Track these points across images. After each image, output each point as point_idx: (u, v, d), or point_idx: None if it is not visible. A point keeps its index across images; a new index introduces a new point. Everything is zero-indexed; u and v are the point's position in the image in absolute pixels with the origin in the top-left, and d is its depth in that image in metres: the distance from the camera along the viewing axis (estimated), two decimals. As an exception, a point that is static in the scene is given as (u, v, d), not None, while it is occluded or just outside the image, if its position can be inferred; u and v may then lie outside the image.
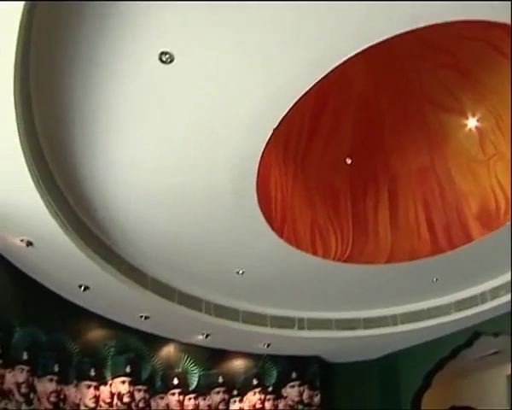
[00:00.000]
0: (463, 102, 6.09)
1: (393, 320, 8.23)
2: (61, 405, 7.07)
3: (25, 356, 6.58)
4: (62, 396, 7.10)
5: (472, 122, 6.22)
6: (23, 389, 6.52)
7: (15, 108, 3.91)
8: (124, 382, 7.82)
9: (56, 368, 7.04)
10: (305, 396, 9.16)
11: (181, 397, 8.39)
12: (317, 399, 9.23)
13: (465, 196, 6.36)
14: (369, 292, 7.63)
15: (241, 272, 6.93)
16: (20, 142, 4.25)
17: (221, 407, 8.69)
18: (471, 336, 8.30)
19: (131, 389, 7.86)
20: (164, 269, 7.01)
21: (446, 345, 8.57)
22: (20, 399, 6.47)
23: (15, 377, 6.43)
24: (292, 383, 9.18)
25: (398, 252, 6.59)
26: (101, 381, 7.61)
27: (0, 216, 5.29)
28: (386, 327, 8.25)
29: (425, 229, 6.51)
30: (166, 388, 8.32)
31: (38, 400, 6.76)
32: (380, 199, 6.67)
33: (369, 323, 8.28)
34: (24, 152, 4.36)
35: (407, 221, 6.57)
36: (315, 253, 6.48)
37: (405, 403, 9.05)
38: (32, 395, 6.65)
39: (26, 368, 6.57)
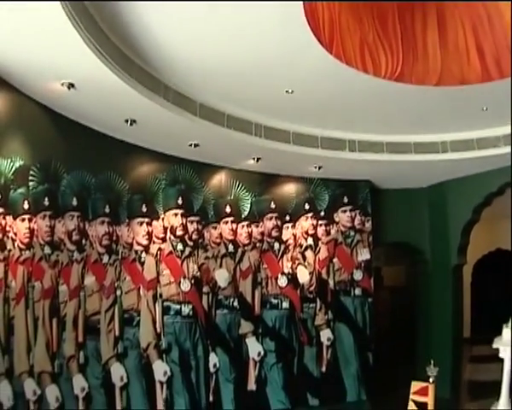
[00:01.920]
0: None
1: (443, 147, 7.46)
2: (114, 247, 6.47)
3: (74, 202, 5.99)
4: (115, 238, 6.48)
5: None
6: (74, 237, 5.96)
7: None
8: (176, 214, 7.10)
9: (107, 209, 6.41)
10: (356, 222, 8.43)
11: (234, 225, 7.66)
12: (368, 225, 8.51)
13: (513, 26, 5.61)
14: (419, 116, 6.77)
15: (290, 91, 5.97)
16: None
17: (274, 233, 7.96)
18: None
19: (184, 221, 7.15)
20: (211, 94, 6.12)
21: (494, 180, 8.00)
22: (72, 247, 5.94)
23: (66, 225, 5.87)
24: (343, 208, 8.39)
25: (447, 75, 5.79)
26: (154, 216, 6.90)
27: (37, 63, 4.71)
28: (436, 153, 7.51)
29: (475, 55, 5.68)
30: (219, 217, 7.58)
31: (91, 245, 6.19)
32: (428, 20, 5.75)
33: (419, 148, 7.51)
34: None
35: (456, 46, 5.72)
36: (365, 70, 5.61)
37: (454, 234, 8.59)
38: (83, 242, 6.08)
39: (76, 214, 6.00)
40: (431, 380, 4.67)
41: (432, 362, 4.73)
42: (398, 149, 7.43)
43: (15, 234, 5.13)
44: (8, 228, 5.02)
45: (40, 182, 5.44)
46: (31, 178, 5.34)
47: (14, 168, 5.12)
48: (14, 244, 5.10)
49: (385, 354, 9.29)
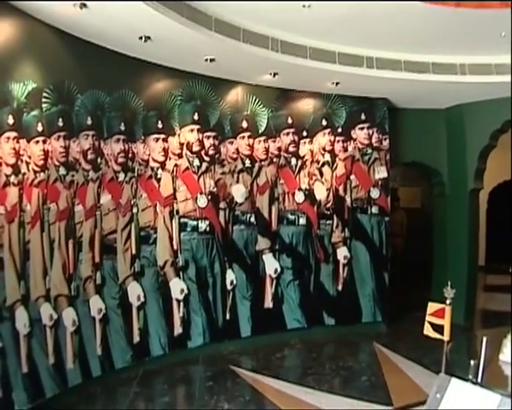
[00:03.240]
0: None
1: (462, 69, 7.21)
2: (130, 164, 6.34)
3: (88, 121, 5.83)
4: (130, 155, 6.34)
5: None
6: (89, 156, 5.85)
7: None
8: (192, 130, 6.89)
9: (122, 127, 6.23)
10: (374, 140, 8.15)
11: (250, 140, 7.44)
12: (385, 143, 8.23)
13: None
14: (438, 36, 6.46)
15: (307, 5, 5.63)
16: None
17: (291, 148, 7.73)
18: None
19: (200, 136, 6.96)
20: (227, 8, 5.80)
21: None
22: (87, 167, 5.85)
23: (81, 144, 5.76)
24: (361, 125, 8.09)
25: (466, -1, 5.70)
26: (169, 132, 6.72)
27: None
28: (455, 75, 7.25)
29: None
30: (235, 132, 7.35)
31: (106, 164, 6.08)
32: None
33: (437, 68, 7.22)
34: None
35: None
36: (383, -13, 5.43)
37: (471, 158, 8.46)
38: (99, 161, 5.97)
39: (90, 133, 5.86)
40: (448, 302, 4.58)
41: (449, 284, 4.63)
42: (415, 68, 7.14)
43: (29, 157, 5.04)
44: (21, 152, 4.93)
45: (54, 103, 5.31)
46: (44, 100, 5.21)
47: (26, 92, 5.02)
48: (28, 167, 5.02)
49: (400, 276, 9.33)
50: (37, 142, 5.13)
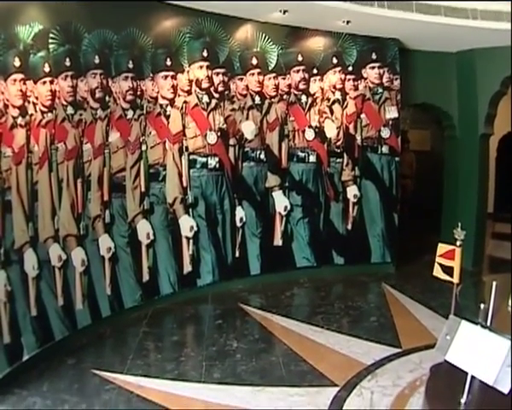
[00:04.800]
0: None
1: (473, 14, 7.05)
2: (138, 102, 6.22)
3: (96, 60, 5.70)
4: (139, 92, 6.22)
5: None
6: (97, 94, 5.76)
7: None
8: (201, 67, 6.75)
9: (130, 65, 6.09)
10: (384, 79, 7.90)
11: (260, 77, 7.26)
12: (396, 83, 7.99)
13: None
14: None
15: None
16: None
17: (301, 86, 7.53)
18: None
19: (209, 73, 6.80)
20: None
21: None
22: (95, 105, 5.75)
23: (88, 83, 5.65)
24: (372, 65, 7.83)
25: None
26: (178, 69, 6.57)
27: None
28: (466, 19, 7.08)
29: None
30: (245, 69, 7.17)
31: (114, 102, 5.97)
32: None
33: (448, 11, 7.05)
34: None
35: None
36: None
37: (482, 103, 8.30)
38: (107, 99, 5.86)
39: (98, 72, 5.76)
40: (458, 244, 4.52)
41: (459, 225, 4.55)
42: (427, 10, 6.94)
43: (37, 98, 4.94)
44: (28, 93, 4.83)
45: (61, 44, 5.20)
46: (51, 41, 5.10)
47: (33, 33, 4.88)
48: (35, 108, 4.92)
49: (409, 218, 9.26)
50: (45, 82, 5.04)
